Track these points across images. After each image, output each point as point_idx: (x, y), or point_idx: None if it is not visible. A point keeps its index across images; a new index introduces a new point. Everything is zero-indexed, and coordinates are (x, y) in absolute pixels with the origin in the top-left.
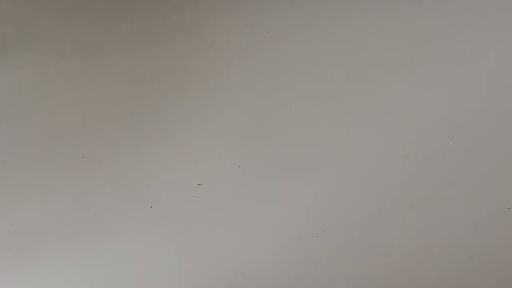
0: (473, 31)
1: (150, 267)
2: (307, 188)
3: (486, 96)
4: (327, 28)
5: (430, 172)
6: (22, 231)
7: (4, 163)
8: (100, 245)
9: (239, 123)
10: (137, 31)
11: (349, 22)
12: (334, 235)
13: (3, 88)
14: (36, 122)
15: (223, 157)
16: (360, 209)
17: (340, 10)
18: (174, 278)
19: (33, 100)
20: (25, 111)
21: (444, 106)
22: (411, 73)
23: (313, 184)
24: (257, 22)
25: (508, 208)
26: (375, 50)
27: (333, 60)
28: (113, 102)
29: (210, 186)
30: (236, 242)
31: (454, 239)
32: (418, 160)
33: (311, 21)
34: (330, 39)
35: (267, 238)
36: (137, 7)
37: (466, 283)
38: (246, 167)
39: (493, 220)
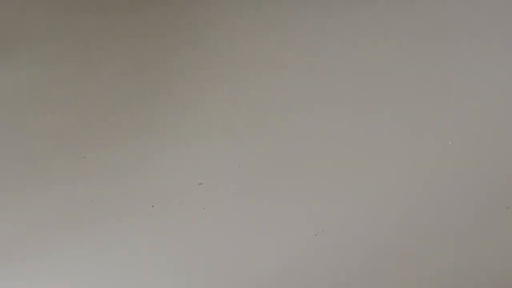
0: (473, 30)
1: (150, 266)
2: (306, 187)
3: (486, 96)
4: (327, 28)
5: (429, 171)
6: (23, 231)
7: (5, 163)
8: (101, 244)
9: (240, 123)
10: (138, 30)
11: (350, 22)
12: (333, 234)
13: (3, 88)
14: (36, 123)
15: (223, 156)
16: (359, 208)
17: (340, 10)
18: (175, 277)
19: (34, 100)
20: (25, 111)
21: (443, 105)
22: (410, 73)
23: (312, 183)
24: (257, 22)
25: (507, 208)
26: (375, 50)
27: (333, 60)
28: (114, 102)
29: (211, 186)
30: (236, 241)
31: (453, 238)
32: (417, 160)
33: (311, 21)
34: (330, 39)
35: (266, 237)
36: (138, 7)
37: (465, 282)
38: (246, 167)
39: (492, 220)
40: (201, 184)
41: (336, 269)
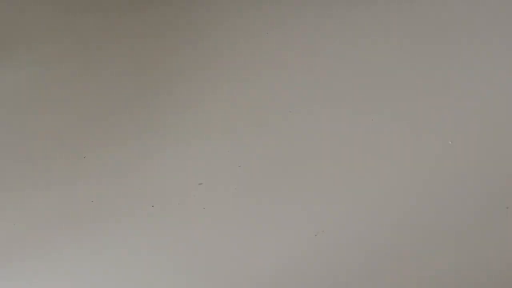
0: (473, 30)
1: (150, 266)
2: (306, 187)
3: (486, 96)
4: (327, 28)
5: (429, 171)
6: (24, 231)
7: (5, 163)
8: (101, 244)
9: (240, 123)
10: (138, 30)
11: (349, 22)
12: (333, 234)
13: (3, 88)
14: (36, 122)
15: (223, 156)
16: (359, 208)
17: (340, 10)
18: (175, 277)
19: (34, 100)
20: (25, 111)
21: (443, 105)
22: (410, 73)
23: (312, 183)
24: (257, 22)
25: (507, 208)
26: (375, 50)
27: (333, 60)
28: (114, 102)
29: (211, 186)
30: (236, 241)
31: (453, 238)
32: (417, 160)
33: (311, 21)
34: (330, 39)
35: (266, 237)
36: (138, 7)
37: (465, 282)
38: (246, 167)
39: (492, 220)
40: (201, 184)
41: (336, 269)
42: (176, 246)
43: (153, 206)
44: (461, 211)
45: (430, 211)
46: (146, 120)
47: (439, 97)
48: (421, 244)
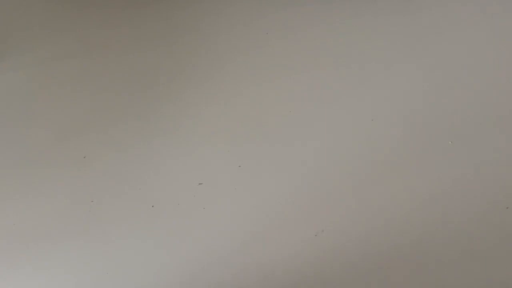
0: (472, 30)
1: (151, 266)
2: (306, 187)
3: (486, 96)
4: (327, 28)
5: (429, 172)
6: (24, 231)
7: (6, 163)
8: (101, 244)
9: (240, 123)
10: (137, 30)
11: (349, 22)
12: (333, 234)
13: (4, 88)
14: (37, 122)
15: (223, 156)
16: (359, 208)
17: (339, 10)
18: (175, 277)
19: (34, 100)
20: (26, 111)
21: (443, 106)
22: (410, 73)
23: (312, 183)
24: (257, 22)
25: (507, 208)
26: (375, 50)
27: (332, 60)
28: (114, 102)
29: (211, 186)
30: (236, 241)
31: (454, 238)
32: (417, 160)
33: (310, 21)
34: (330, 39)
35: (266, 236)
36: (137, 7)
37: (465, 282)
38: (246, 167)
39: (492, 220)
40: (201, 184)
41: (336, 269)
42: (177, 245)
43: (153, 206)
44: (461, 211)
45: (430, 211)
46: (146, 120)
47: (439, 97)
48: (420, 244)
